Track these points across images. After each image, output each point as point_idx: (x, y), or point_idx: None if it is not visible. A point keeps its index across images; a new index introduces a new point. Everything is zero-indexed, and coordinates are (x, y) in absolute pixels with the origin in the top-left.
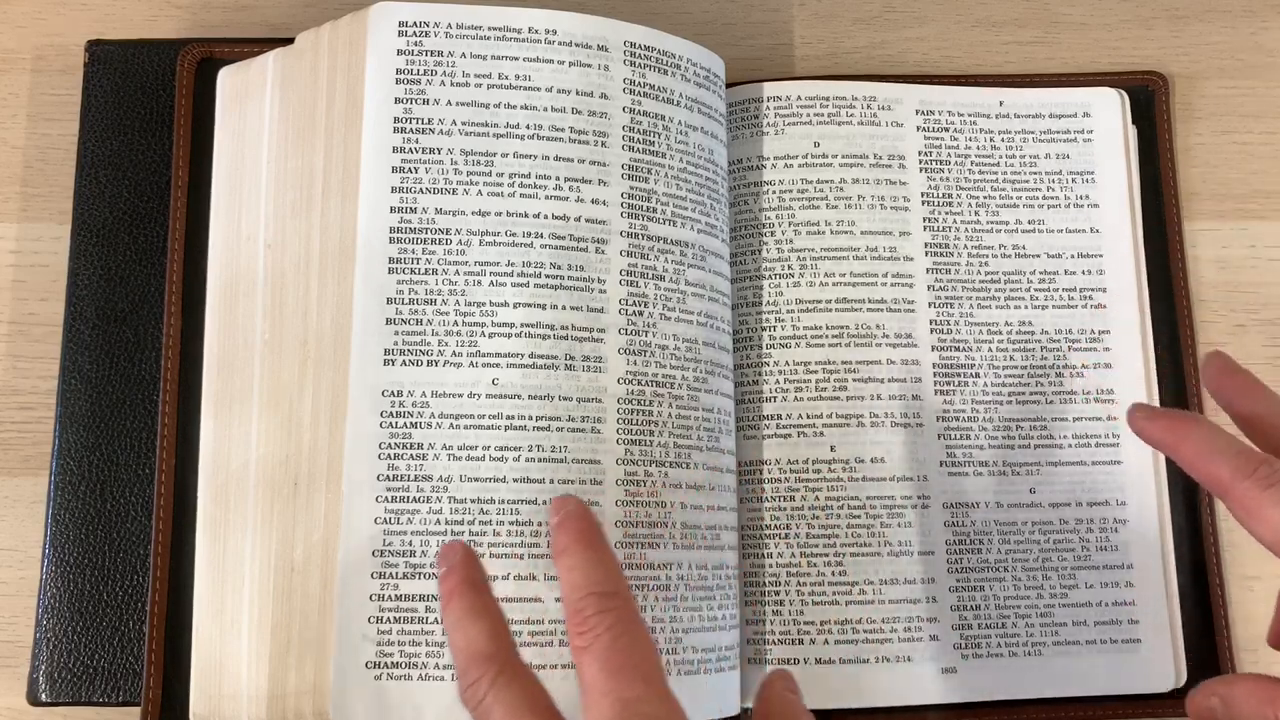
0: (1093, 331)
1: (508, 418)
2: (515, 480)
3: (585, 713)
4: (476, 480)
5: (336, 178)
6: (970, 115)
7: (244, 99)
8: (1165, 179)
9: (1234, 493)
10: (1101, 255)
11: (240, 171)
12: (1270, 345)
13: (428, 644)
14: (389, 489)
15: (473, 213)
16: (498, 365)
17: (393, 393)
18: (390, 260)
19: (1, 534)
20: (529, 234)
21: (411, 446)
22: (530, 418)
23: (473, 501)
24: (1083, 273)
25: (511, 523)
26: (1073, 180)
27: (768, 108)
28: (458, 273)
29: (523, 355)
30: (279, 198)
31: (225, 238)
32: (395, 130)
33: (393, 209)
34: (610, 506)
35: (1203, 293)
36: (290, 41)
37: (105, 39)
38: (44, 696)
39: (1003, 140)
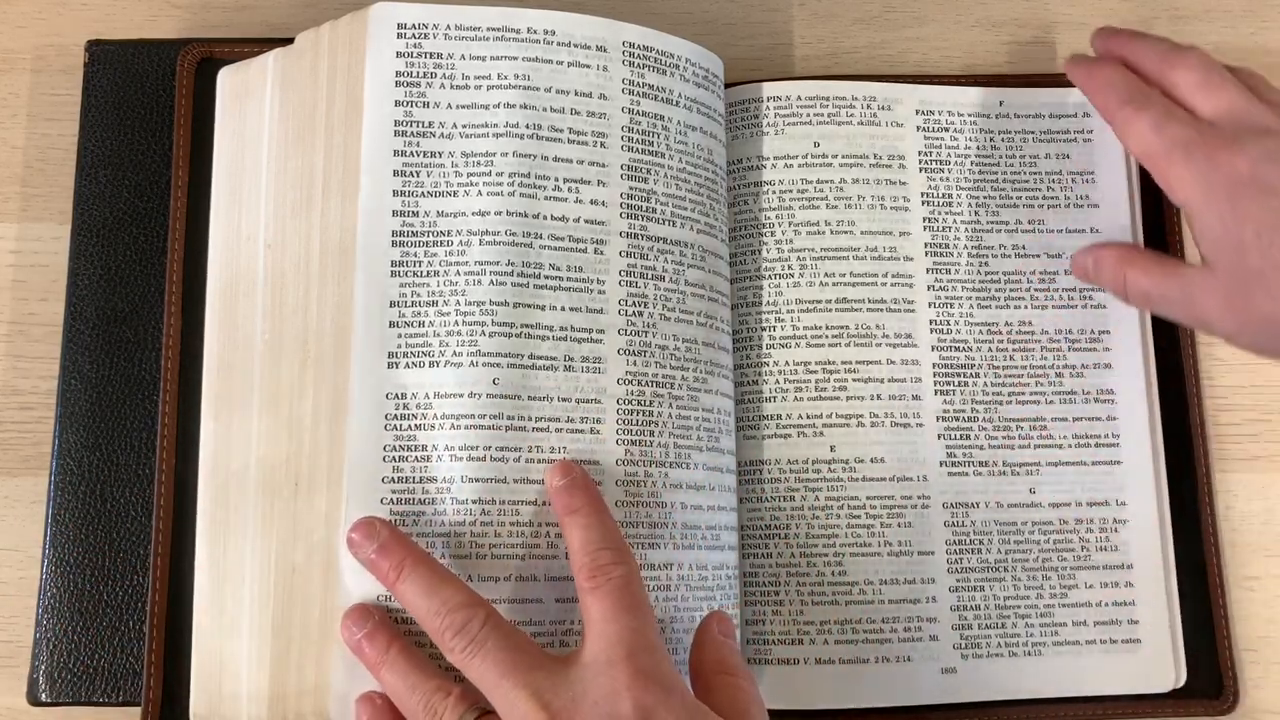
0: (1093, 331)
1: (508, 418)
2: (515, 481)
3: (590, 641)
4: (477, 481)
5: (336, 178)
6: (970, 115)
7: (244, 99)
8: None
9: (1117, 116)
10: None
11: (240, 171)
12: None
13: (428, 645)
14: (394, 491)
15: (473, 213)
16: (498, 365)
17: (397, 395)
18: (393, 264)
19: (1, 534)
20: (528, 234)
21: (416, 448)
22: (530, 418)
23: (474, 502)
24: None
25: (512, 524)
26: (1073, 180)
27: (768, 108)
28: (458, 273)
29: (522, 356)
30: (279, 198)
31: (225, 238)
32: (396, 134)
33: (395, 213)
34: (610, 506)
35: None
36: (290, 41)
37: (105, 39)
38: (44, 696)
39: (1003, 140)
